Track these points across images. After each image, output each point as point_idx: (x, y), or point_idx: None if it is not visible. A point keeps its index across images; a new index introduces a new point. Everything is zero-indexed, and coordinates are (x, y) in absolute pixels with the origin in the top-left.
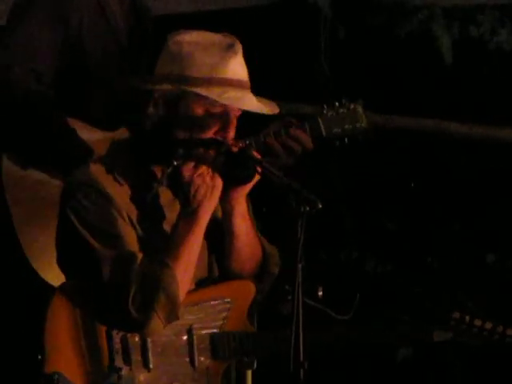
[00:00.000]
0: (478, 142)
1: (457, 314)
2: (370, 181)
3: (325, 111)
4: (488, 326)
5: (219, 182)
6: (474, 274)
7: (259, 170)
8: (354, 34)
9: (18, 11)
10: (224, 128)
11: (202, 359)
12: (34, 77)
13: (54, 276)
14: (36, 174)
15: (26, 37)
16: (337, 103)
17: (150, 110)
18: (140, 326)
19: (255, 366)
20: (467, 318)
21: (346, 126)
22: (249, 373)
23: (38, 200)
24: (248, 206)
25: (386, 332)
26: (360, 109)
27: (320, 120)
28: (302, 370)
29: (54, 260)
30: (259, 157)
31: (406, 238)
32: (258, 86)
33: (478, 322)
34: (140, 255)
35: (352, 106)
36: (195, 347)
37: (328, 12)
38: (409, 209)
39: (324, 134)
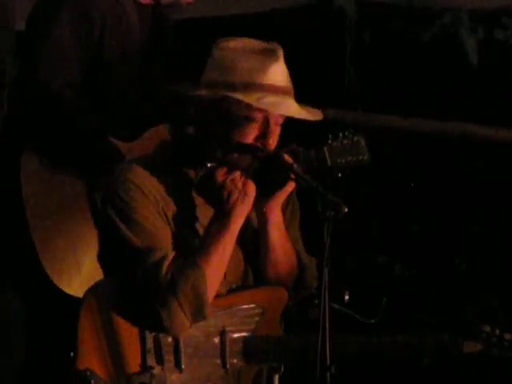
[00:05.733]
0: (504, 145)
1: (487, 327)
2: (396, 184)
3: (330, 141)
4: None
5: (252, 188)
6: (502, 276)
7: (292, 175)
8: (379, 38)
9: (43, 20)
10: (263, 135)
11: (235, 362)
12: (69, 88)
13: (66, 281)
14: (55, 174)
15: (56, 48)
16: (341, 134)
17: (191, 114)
18: (168, 325)
19: (282, 369)
20: (497, 331)
21: (350, 158)
22: (276, 377)
23: (56, 201)
24: (296, 218)
25: (415, 343)
26: (363, 141)
27: (326, 149)
28: (328, 374)
29: (68, 265)
30: (291, 161)
31: (432, 241)
32: None
33: (508, 336)
34: (173, 253)
35: (355, 139)
36: (227, 350)
37: (353, 15)
38: (435, 211)
39: (329, 163)
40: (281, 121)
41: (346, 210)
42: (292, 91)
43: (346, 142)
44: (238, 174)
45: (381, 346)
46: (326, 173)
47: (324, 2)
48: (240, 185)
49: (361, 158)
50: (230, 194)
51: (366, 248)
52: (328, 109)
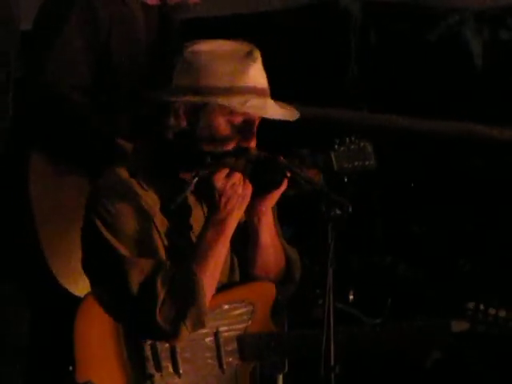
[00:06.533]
0: (507, 145)
1: (471, 304)
2: (400, 184)
3: (337, 146)
4: (501, 313)
5: (249, 192)
6: (502, 276)
7: (288, 174)
8: (384, 38)
9: (51, 20)
10: (246, 137)
11: (230, 360)
12: (75, 89)
13: (74, 282)
14: (63, 175)
15: (64, 49)
16: (347, 139)
17: (171, 121)
18: (168, 335)
19: (286, 369)
20: (481, 306)
21: (356, 163)
22: (280, 377)
23: (63, 202)
24: (274, 214)
25: (404, 327)
26: (369, 147)
27: (333, 155)
28: (332, 374)
29: (76, 265)
30: (286, 162)
31: (437, 242)
32: (287, 89)
33: (492, 311)
34: (167, 263)
35: (362, 144)
36: (222, 350)
37: (358, 15)
38: (436, 211)
39: (336, 168)
40: (258, 121)
41: (351, 209)
42: (269, 91)
43: (352, 147)
44: (237, 177)
45: (371, 331)
46: (333, 177)
47: (329, 2)
48: (240, 190)
49: (367, 163)
50: (228, 200)
51: (370, 248)
52: (332, 109)
